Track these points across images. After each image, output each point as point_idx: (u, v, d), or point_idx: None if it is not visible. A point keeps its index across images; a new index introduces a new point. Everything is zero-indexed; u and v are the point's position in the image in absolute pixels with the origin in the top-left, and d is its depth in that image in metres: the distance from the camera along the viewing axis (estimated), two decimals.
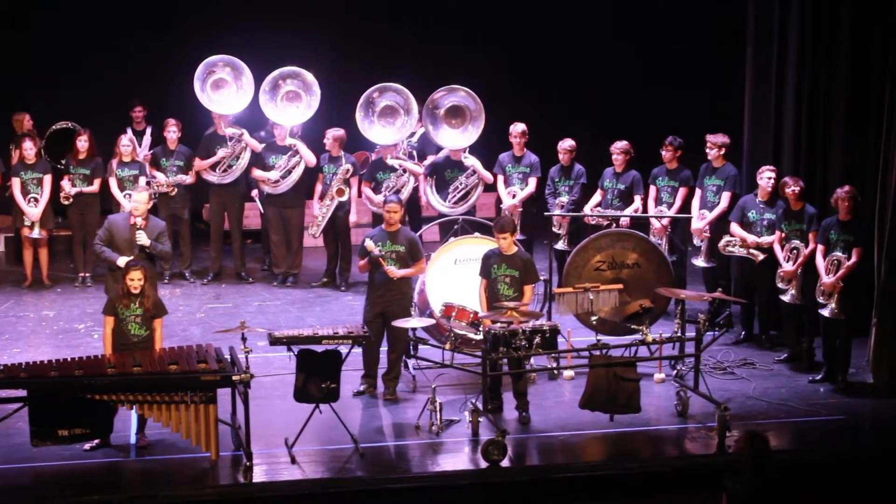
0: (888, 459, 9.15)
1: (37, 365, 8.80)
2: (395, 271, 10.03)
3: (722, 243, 11.39)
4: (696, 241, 11.90)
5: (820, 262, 10.36)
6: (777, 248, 10.87)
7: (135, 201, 10.25)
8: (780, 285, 10.81)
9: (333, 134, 13.22)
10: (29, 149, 13.27)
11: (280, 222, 13.52)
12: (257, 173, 13.39)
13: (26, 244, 13.53)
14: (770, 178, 11.15)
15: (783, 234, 10.85)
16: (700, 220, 11.81)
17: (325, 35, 15.94)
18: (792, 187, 10.79)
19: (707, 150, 11.82)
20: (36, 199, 13.26)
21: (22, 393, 8.71)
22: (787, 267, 10.70)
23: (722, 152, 11.77)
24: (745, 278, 11.33)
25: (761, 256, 11.09)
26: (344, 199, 13.16)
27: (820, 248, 10.40)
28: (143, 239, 10.06)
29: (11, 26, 15.46)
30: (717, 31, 15.15)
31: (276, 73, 13.37)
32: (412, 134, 13.45)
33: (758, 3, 12.38)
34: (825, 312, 10.26)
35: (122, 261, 9.95)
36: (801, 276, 10.64)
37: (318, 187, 13.31)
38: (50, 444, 8.78)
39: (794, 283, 10.68)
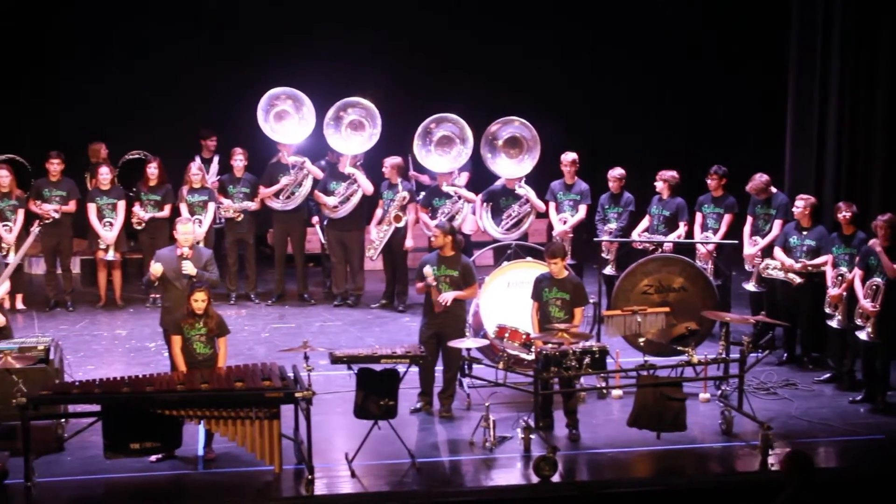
0: None
1: (110, 381, 9.02)
2: (446, 295, 10.16)
3: (761, 266, 11.59)
4: (747, 267, 12.04)
5: (858, 287, 10.50)
6: (829, 270, 10.97)
7: (182, 232, 10.05)
8: (827, 310, 10.92)
9: (391, 162, 13.53)
10: (105, 174, 13.67)
11: (339, 246, 13.81)
12: (320, 197, 13.70)
13: (101, 266, 13.88)
14: (800, 207, 11.31)
15: (834, 258, 10.97)
16: (752, 246, 11.99)
17: (384, 67, 16.05)
18: (843, 213, 10.92)
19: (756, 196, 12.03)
20: (111, 224, 13.61)
21: (96, 408, 8.96)
22: (833, 291, 10.86)
23: (770, 187, 11.95)
24: (787, 302, 11.47)
25: (798, 280, 11.27)
26: (401, 225, 13.47)
27: (859, 273, 10.51)
28: (188, 269, 9.91)
29: (89, 60, 15.81)
30: (762, 62, 15.20)
31: (338, 103, 13.65)
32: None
33: (800, 33, 12.54)
34: (862, 336, 10.39)
35: (154, 267, 9.97)
36: (847, 301, 10.73)
37: (378, 212, 13.63)
38: (122, 457, 8.95)
39: (840, 308, 10.80)
